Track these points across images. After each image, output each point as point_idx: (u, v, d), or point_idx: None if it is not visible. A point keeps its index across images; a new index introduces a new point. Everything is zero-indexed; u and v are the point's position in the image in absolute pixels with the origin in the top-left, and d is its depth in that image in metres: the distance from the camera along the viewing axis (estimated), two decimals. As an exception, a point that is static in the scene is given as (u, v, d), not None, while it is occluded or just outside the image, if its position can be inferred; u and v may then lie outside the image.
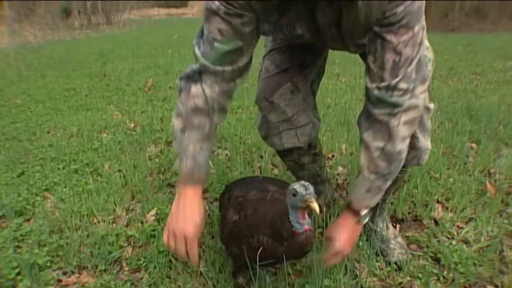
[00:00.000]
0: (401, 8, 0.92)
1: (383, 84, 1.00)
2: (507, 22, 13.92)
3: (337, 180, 1.97)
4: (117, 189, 1.87)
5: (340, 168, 2.07)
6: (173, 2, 45.11)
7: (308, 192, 0.93)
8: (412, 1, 0.92)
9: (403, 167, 1.19)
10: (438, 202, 1.79)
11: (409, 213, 1.71)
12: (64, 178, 2.06)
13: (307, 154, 1.48)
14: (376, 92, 1.02)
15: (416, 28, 0.95)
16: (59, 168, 2.19)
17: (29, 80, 5.21)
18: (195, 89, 1.07)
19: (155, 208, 1.66)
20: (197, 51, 1.06)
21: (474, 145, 2.42)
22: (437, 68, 5.27)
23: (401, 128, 1.04)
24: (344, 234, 1.14)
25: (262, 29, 1.08)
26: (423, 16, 0.97)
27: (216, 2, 0.99)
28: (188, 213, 1.04)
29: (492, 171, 2.08)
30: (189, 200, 1.06)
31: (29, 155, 2.46)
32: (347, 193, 1.84)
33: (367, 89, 1.05)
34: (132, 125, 2.95)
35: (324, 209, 1.58)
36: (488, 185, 1.88)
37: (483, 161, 2.15)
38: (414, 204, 1.75)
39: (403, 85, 1.00)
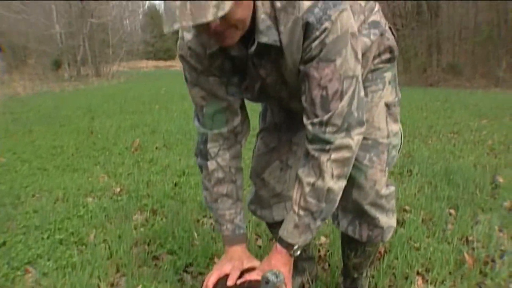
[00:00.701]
0: (316, 43, 0.96)
1: (316, 120, 1.03)
2: (480, 79, 14.59)
3: (319, 251, 2.00)
4: (102, 262, 1.87)
5: (322, 238, 2.11)
6: (161, 55, 46.39)
7: (278, 280, 1.01)
8: (326, 34, 0.95)
9: (371, 243, 1.29)
10: (418, 273, 1.82)
11: (390, 286, 1.74)
12: (48, 249, 2.04)
13: None
14: (310, 128, 1.05)
15: (338, 61, 0.98)
16: (43, 238, 2.18)
17: (16, 135, 5.24)
18: (211, 164, 1.22)
19: (140, 286, 1.66)
20: (196, 123, 1.22)
21: (452, 211, 2.50)
22: (418, 126, 5.47)
23: (331, 165, 1.04)
24: (283, 269, 1.10)
25: (230, 90, 1.16)
26: (349, 50, 0.98)
27: (185, 73, 1.16)
28: (222, 263, 1.20)
29: (470, 238, 2.14)
30: (230, 254, 1.22)
31: (12, 222, 2.44)
32: (329, 265, 1.86)
33: (305, 127, 1.08)
34: (118, 189, 2.97)
35: (306, 286, 1.61)
36: (466, 256, 1.93)
37: (462, 229, 2.21)
38: (395, 276, 1.78)
39: (335, 121, 1.01)
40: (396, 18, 26.64)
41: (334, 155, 1.04)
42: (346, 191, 1.15)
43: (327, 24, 0.94)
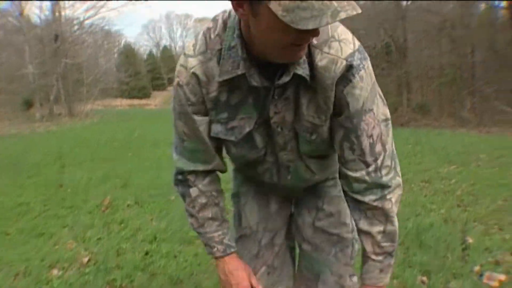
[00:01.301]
0: (359, 95, 0.99)
1: (370, 168, 1.03)
2: (447, 119, 15.15)
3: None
4: None
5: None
6: (135, 93, 46.37)
7: None
8: (363, 83, 0.98)
9: None
10: None
11: None
12: None
13: None
14: (367, 178, 1.04)
15: (375, 109, 1.02)
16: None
17: (-24, 191, 5.03)
18: (194, 191, 1.18)
19: None
20: (174, 155, 1.18)
21: (425, 278, 2.50)
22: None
23: (394, 208, 1.08)
24: None
25: (215, 130, 1.10)
26: (378, 96, 1.03)
27: (175, 103, 1.08)
28: (235, 273, 1.20)
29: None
30: (231, 264, 1.21)
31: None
32: None
33: (349, 182, 1.07)
34: (86, 259, 2.86)
35: None
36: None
37: (434, 299, 2.22)
38: None
39: (387, 163, 1.04)
40: (366, 58, 27.66)
41: (394, 198, 1.07)
42: (311, 285, 1.23)
43: (362, 72, 0.97)
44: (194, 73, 1.02)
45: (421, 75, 24.78)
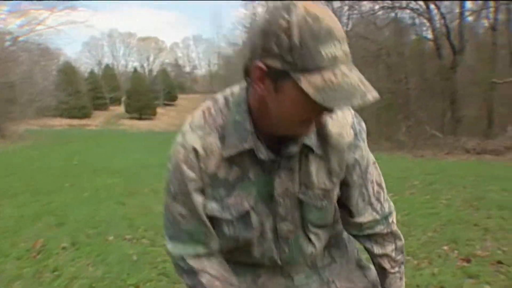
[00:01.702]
0: (362, 152, 1.08)
1: (378, 208, 1.15)
2: (385, 142, 15.93)
3: None
4: None
5: None
6: (75, 113, 44.49)
7: None
8: (365, 144, 1.09)
9: None
10: None
11: None
12: None
13: None
14: (377, 217, 1.15)
15: (370, 158, 1.13)
16: None
17: None
18: (204, 278, 1.05)
19: None
20: (169, 246, 1.08)
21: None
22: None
23: (396, 227, 1.20)
24: None
25: (210, 208, 1.02)
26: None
27: (170, 184, 1.02)
28: None
29: None
30: None
31: None
32: None
33: (361, 228, 1.15)
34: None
35: None
36: None
37: None
38: None
39: (386, 196, 1.18)
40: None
41: (394, 219, 1.20)
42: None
43: (363, 135, 1.09)
44: (193, 148, 0.98)
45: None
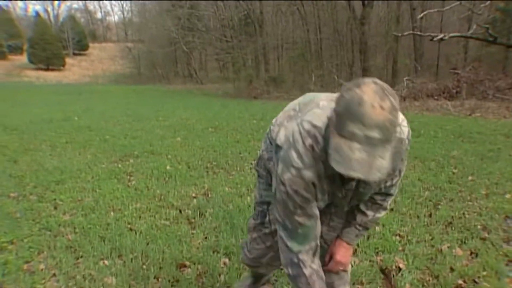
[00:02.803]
0: (405, 158, 1.52)
1: (389, 184, 1.56)
2: (296, 91, 16.46)
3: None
4: None
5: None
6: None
7: None
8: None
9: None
10: None
11: None
12: None
13: None
14: (385, 189, 1.58)
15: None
16: None
17: None
18: (308, 271, 1.50)
19: None
20: (291, 243, 1.49)
21: (227, 260, 2.85)
22: (227, 154, 5.88)
23: (387, 205, 1.69)
24: (342, 251, 1.73)
25: (318, 205, 1.48)
26: None
27: (290, 203, 1.41)
28: None
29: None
30: None
31: None
32: None
33: (372, 204, 1.66)
34: None
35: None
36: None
37: (232, 280, 2.56)
38: None
39: (398, 183, 1.62)
40: (225, 30, 28.16)
41: (390, 201, 1.68)
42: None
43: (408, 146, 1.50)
44: (312, 182, 1.38)
45: (277, 48, 26.24)
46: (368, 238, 3.06)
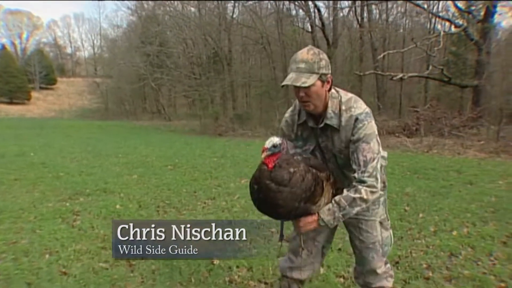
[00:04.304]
0: (361, 131, 1.94)
1: (360, 170, 1.92)
2: (261, 128, 16.59)
3: None
4: None
5: None
6: None
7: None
8: (365, 127, 1.93)
9: None
10: None
11: None
12: None
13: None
14: (357, 175, 1.93)
15: (371, 144, 1.93)
16: None
17: None
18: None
19: None
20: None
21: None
22: (182, 192, 5.73)
23: (363, 191, 1.91)
24: (308, 216, 1.94)
25: (297, 152, 2.05)
26: (377, 141, 1.96)
27: (279, 131, 2.19)
28: None
29: None
30: None
31: None
32: None
33: (354, 177, 1.95)
34: None
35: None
36: None
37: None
38: None
39: (369, 170, 1.91)
40: (193, 67, 28.41)
41: (367, 188, 1.91)
42: (361, 274, 2.28)
43: (365, 122, 1.95)
44: (286, 120, 2.16)
45: (245, 85, 26.60)
46: (310, 281, 2.98)
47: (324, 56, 1.91)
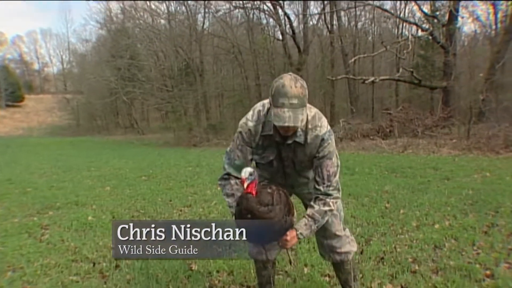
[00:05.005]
0: (325, 149, 2.09)
1: (325, 184, 2.11)
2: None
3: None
4: None
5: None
6: None
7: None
8: (329, 145, 2.10)
9: (345, 259, 2.39)
10: None
11: None
12: None
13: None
14: (322, 189, 2.11)
15: (333, 159, 2.12)
16: None
17: None
18: (233, 182, 2.15)
19: None
20: (226, 166, 2.17)
21: None
22: (157, 201, 5.51)
23: (331, 203, 2.12)
24: (289, 235, 2.05)
25: (254, 157, 2.19)
26: (337, 155, 2.15)
27: (237, 140, 2.15)
28: None
29: None
30: None
31: None
32: None
33: (315, 191, 2.15)
34: None
35: None
36: None
37: None
38: None
39: (334, 184, 2.12)
40: (165, 79, 28.11)
41: (333, 200, 2.13)
42: (325, 243, 2.38)
43: (329, 141, 2.11)
44: (250, 129, 2.12)
45: (218, 95, 26.48)
46: (294, 281, 2.86)
47: (305, 85, 1.98)
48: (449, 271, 2.93)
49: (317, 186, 2.12)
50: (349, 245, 2.37)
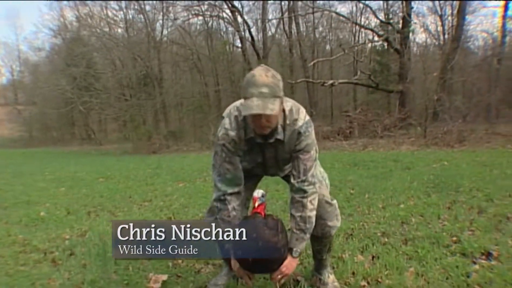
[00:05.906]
0: (303, 142, 1.99)
1: (300, 179, 2.01)
2: (196, 143, 16.27)
3: None
4: None
5: None
6: None
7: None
8: (307, 138, 1.99)
9: (327, 234, 2.21)
10: None
11: None
12: None
13: None
14: (296, 184, 2.01)
15: (311, 153, 2.02)
16: None
17: None
18: (230, 207, 2.04)
19: None
20: (219, 184, 2.05)
21: None
22: (116, 199, 5.24)
23: (309, 203, 2.01)
24: (287, 261, 2.00)
25: (242, 165, 2.08)
26: (315, 146, 2.05)
27: (222, 153, 2.01)
28: None
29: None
30: None
31: None
32: None
33: (291, 185, 2.04)
34: None
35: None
36: None
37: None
38: None
39: (310, 179, 2.01)
40: (124, 89, 27.47)
41: (310, 198, 2.02)
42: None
43: (307, 133, 2.00)
44: (233, 139, 2.00)
45: (177, 103, 26.11)
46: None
47: (279, 76, 1.86)
48: (418, 240, 2.92)
49: (292, 180, 2.02)
50: (336, 220, 2.23)
